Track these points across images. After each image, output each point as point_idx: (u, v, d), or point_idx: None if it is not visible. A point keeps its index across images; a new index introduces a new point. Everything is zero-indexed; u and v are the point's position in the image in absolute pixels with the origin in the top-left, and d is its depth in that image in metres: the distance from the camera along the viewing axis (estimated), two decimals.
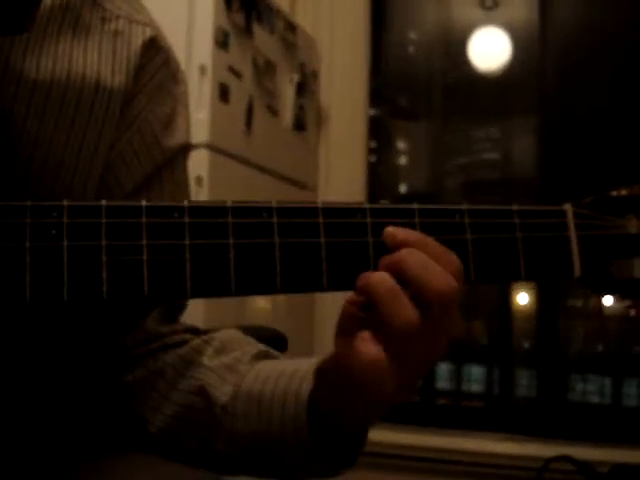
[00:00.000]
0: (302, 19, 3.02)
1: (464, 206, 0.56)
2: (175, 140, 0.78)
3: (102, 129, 0.72)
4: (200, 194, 2.11)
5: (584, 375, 3.12)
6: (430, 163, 3.42)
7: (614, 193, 0.57)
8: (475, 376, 3.25)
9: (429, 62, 3.42)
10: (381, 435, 2.58)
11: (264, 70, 2.50)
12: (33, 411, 0.73)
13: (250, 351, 0.74)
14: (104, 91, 0.71)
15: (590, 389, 3.10)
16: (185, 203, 0.52)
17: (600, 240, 0.57)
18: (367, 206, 0.54)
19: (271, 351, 0.77)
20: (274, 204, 0.53)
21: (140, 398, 0.74)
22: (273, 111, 2.59)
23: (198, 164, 2.13)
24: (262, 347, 0.76)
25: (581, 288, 0.57)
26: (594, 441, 2.77)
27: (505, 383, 3.16)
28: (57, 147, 0.68)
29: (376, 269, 0.54)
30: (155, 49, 0.77)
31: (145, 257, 0.50)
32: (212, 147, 2.19)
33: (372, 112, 3.29)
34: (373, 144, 3.35)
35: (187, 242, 0.51)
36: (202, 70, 2.19)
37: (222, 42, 2.24)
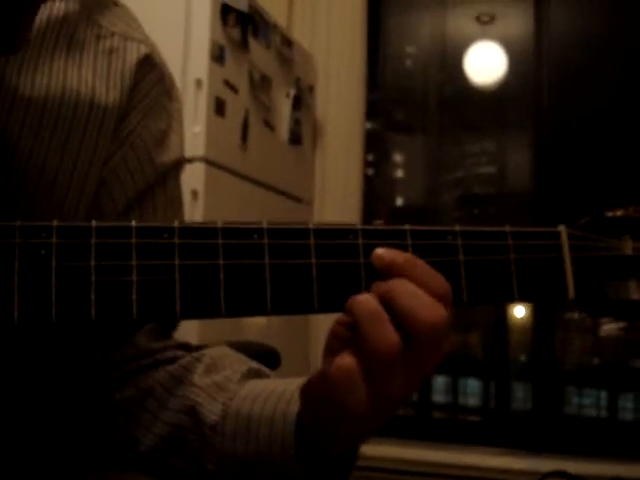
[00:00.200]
0: (299, 34, 3.04)
1: (457, 227, 0.55)
2: (168, 157, 0.78)
3: (96, 146, 0.71)
4: (196, 208, 2.10)
5: (580, 388, 3.11)
6: (426, 177, 3.42)
7: (609, 214, 0.57)
8: (471, 389, 3.24)
9: (425, 76, 3.43)
10: (376, 449, 2.57)
11: (260, 84, 2.50)
12: (23, 429, 0.72)
13: (240, 369, 0.74)
14: (98, 108, 0.71)
15: (586, 402, 3.10)
16: (175, 224, 0.52)
17: (595, 261, 0.56)
18: (359, 227, 0.54)
19: (262, 369, 0.76)
20: (265, 225, 0.52)
21: (130, 417, 0.73)
22: (269, 125, 2.59)
23: (194, 178, 2.13)
24: (253, 365, 0.76)
25: (575, 310, 0.57)
26: (590, 455, 2.76)
27: (501, 396, 3.15)
28: (51, 164, 0.68)
29: (368, 289, 0.53)
30: (150, 66, 0.77)
31: (134, 278, 0.50)
32: (208, 161, 2.19)
33: (368, 126, 3.30)
34: (369, 158, 3.35)
35: (177, 263, 0.50)
36: (198, 84, 2.19)
37: (218, 56, 2.25)
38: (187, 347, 0.78)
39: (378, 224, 0.56)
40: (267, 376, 0.75)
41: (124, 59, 0.74)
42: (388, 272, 0.53)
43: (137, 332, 0.76)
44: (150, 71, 0.77)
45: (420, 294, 0.52)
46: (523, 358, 3.24)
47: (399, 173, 3.62)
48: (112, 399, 0.74)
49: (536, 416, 3.00)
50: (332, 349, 0.56)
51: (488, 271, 0.54)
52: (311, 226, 0.53)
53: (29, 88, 0.67)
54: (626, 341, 2.93)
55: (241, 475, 0.68)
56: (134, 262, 0.50)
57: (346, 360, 0.53)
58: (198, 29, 2.22)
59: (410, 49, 3.57)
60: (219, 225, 0.52)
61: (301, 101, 2.80)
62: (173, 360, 0.76)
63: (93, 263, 0.50)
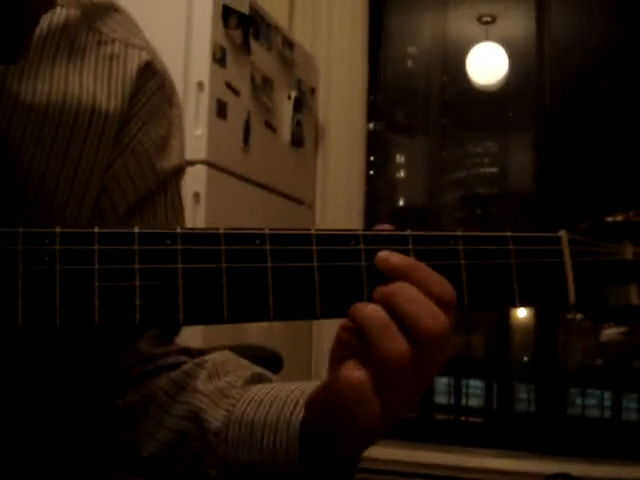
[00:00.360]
0: (300, 35, 3.04)
1: (458, 232, 0.55)
2: (169, 163, 0.78)
3: (97, 153, 0.72)
4: (197, 211, 2.11)
5: (583, 389, 3.11)
6: (428, 177, 3.42)
7: (610, 219, 0.57)
8: (474, 390, 3.24)
9: (427, 77, 3.43)
10: (378, 451, 2.56)
11: (262, 86, 2.50)
12: (26, 433, 0.72)
13: (243, 375, 0.74)
14: (100, 115, 0.71)
15: (590, 403, 3.10)
16: (178, 230, 0.52)
17: (595, 266, 0.56)
18: (361, 233, 0.54)
19: (265, 374, 0.76)
20: (267, 231, 0.52)
21: (132, 423, 0.74)
22: (271, 127, 2.60)
23: (195, 180, 2.13)
24: (256, 370, 0.76)
25: (576, 314, 0.57)
26: (594, 457, 2.76)
27: (504, 398, 3.15)
28: (52, 171, 0.68)
29: (370, 297, 0.53)
30: (151, 73, 0.77)
31: (137, 284, 0.50)
32: (209, 163, 2.20)
33: (370, 127, 3.30)
34: (371, 159, 3.35)
35: (179, 269, 0.51)
36: (200, 86, 2.19)
37: (220, 59, 2.25)
38: (189, 352, 0.78)
39: (386, 229, 0.55)
40: (270, 381, 0.75)
41: (125, 66, 0.74)
42: (392, 275, 0.53)
43: (140, 338, 0.76)
44: (151, 78, 0.77)
45: (424, 300, 0.52)
46: (526, 359, 3.24)
47: (401, 174, 3.62)
48: (115, 405, 0.74)
49: (539, 417, 3.00)
50: (338, 356, 0.55)
51: (489, 276, 0.55)
52: (313, 232, 0.53)
53: (30, 95, 0.67)
54: (629, 342, 2.92)
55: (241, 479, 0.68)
56: (137, 267, 0.51)
57: (355, 373, 0.52)
58: (199, 31, 2.22)
59: (411, 50, 3.57)
60: (221, 231, 0.52)
61: (303, 103, 2.80)
62: (175, 366, 0.76)
63: (96, 269, 0.50)
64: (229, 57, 2.30)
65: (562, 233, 0.57)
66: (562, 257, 0.56)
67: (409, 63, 3.58)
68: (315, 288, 0.52)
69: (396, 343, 0.51)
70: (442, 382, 3.22)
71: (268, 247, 0.52)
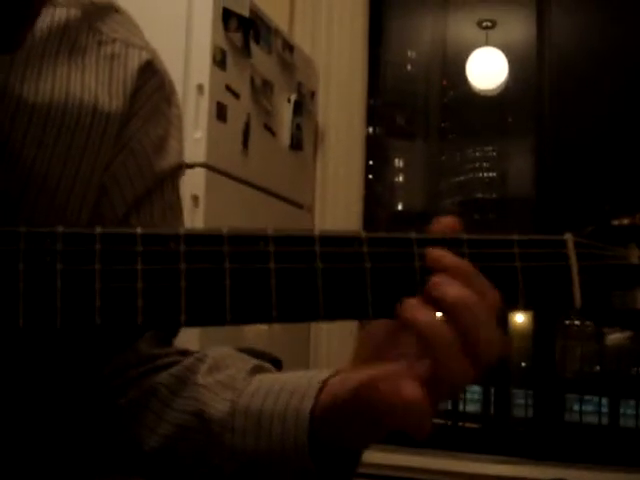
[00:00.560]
0: (300, 39, 3.04)
1: (464, 236, 0.55)
2: (167, 163, 0.78)
3: (99, 153, 0.72)
4: (196, 213, 2.10)
5: (581, 396, 3.11)
6: (427, 182, 3.43)
7: (616, 222, 0.56)
8: (471, 396, 3.24)
9: (426, 81, 3.44)
10: (376, 456, 2.56)
11: (261, 89, 2.50)
12: (27, 434, 0.72)
13: (245, 367, 0.74)
14: (101, 115, 0.71)
15: (587, 410, 3.09)
16: (181, 231, 0.52)
17: (601, 270, 0.56)
18: (364, 235, 0.54)
19: (266, 365, 0.76)
20: (270, 232, 0.52)
21: (134, 419, 0.73)
22: (270, 130, 2.59)
23: (195, 183, 2.13)
24: (256, 362, 0.76)
25: (578, 317, 0.57)
26: (591, 463, 2.76)
27: (502, 403, 3.15)
28: (54, 171, 0.68)
29: (374, 297, 0.53)
30: (151, 72, 0.77)
31: (140, 285, 0.50)
32: (209, 166, 2.19)
33: (369, 131, 3.30)
34: (370, 163, 3.35)
35: (182, 271, 0.50)
36: (200, 89, 2.19)
37: (220, 61, 2.25)
38: (187, 354, 0.78)
39: (447, 222, 0.55)
40: (271, 372, 0.75)
41: (126, 65, 0.75)
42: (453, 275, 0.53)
43: (139, 339, 0.76)
44: (151, 77, 0.77)
45: (492, 326, 0.52)
46: (523, 365, 3.24)
47: (400, 178, 3.62)
48: (117, 405, 0.74)
49: (537, 423, 3.00)
50: (366, 356, 0.56)
51: (494, 278, 0.54)
52: (316, 233, 0.53)
53: (33, 95, 0.67)
54: (627, 348, 2.92)
55: (250, 472, 0.68)
56: (140, 268, 0.50)
57: (416, 391, 0.52)
58: (199, 34, 2.22)
59: (411, 54, 3.57)
60: (225, 232, 0.51)
61: (302, 106, 2.80)
62: (174, 364, 0.76)
63: (98, 269, 0.50)
64: (229, 60, 2.30)
65: (568, 236, 0.56)
66: (568, 261, 0.55)
67: (409, 67, 3.59)
68: (318, 290, 0.51)
69: (464, 366, 0.52)
70: None
71: (272, 249, 0.51)
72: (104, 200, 0.73)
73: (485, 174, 3.46)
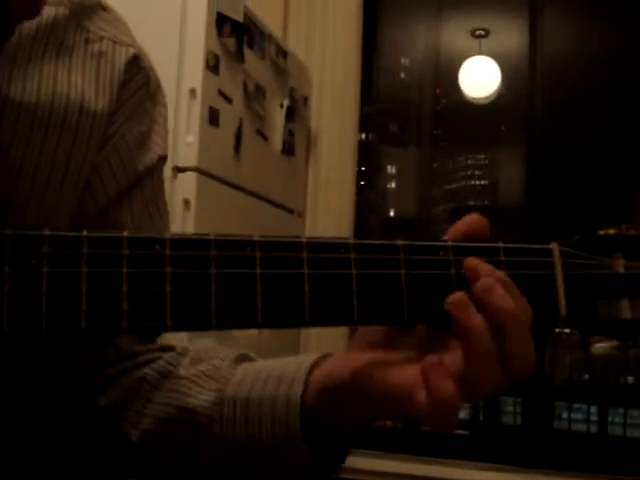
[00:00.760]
0: (294, 45, 3.04)
1: (449, 243, 0.55)
2: (148, 159, 0.78)
3: (86, 152, 0.72)
4: (187, 218, 2.10)
5: (570, 404, 3.11)
6: (418, 189, 3.43)
7: (602, 232, 0.57)
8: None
9: (419, 89, 3.45)
10: (363, 462, 2.56)
11: (254, 94, 2.50)
12: (11, 437, 0.72)
13: (228, 356, 0.73)
14: (88, 114, 0.71)
15: (576, 418, 3.10)
16: (167, 235, 0.51)
17: (587, 279, 0.56)
18: (351, 241, 0.54)
19: (250, 354, 0.75)
20: (257, 238, 0.52)
21: (117, 418, 0.73)
22: (262, 135, 2.60)
23: (186, 187, 2.13)
24: (240, 352, 0.75)
25: (565, 326, 0.57)
26: (579, 471, 2.76)
27: (491, 410, 3.15)
28: (43, 171, 0.68)
29: (359, 303, 0.53)
30: (137, 68, 0.77)
31: (125, 289, 0.50)
32: (200, 171, 2.19)
33: (362, 137, 3.30)
34: (362, 169, 3.36)
35: (168, 275, 0.50)
36: (192, 93, 2.19)
37: (213, 66, 2.25)
38: (170, 350, 0.77)
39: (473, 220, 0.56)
40: (255, 360, 0.75)
41: (113, 62, 0.75)
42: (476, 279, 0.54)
43: (119, 335, 0.75)
44: (137, 73, 0.77)
45: (530, 341, 0.55)
46: None
47: (392, 185, 3.62)
48: (98, 404, 0.73)
49: (525, 431, 3.00)
50: (370, 341, 0.57)
51: None
52: (304, 239, 0.52)
53: (20, 94, 0.67)
54: (616, 357, 2.93)
55: (240, 460, 0.67)
56: (125, 272, 0.50)
57: (454, 393, 0.52)
58: (193, 38, 2.22)
59: (405, 62, 3.58)
60: (211, 237, 0.51)
61: (295, 112, 2.80)
62: (156, 359, 0.75)
63: (84, 272, 0.49)
64: (222, 64, 2.30)
65: (554, 245, 0.56)
66: (554, 269, 0.56)
67: (402, 75, 3.60)
68: (305, 296, 0.51)
69: (497, 377, 0.53)
70: None
71: (258, 254, 0.51)
72: (87, 195, 0.73)
73: (477, 182, 3.47)
